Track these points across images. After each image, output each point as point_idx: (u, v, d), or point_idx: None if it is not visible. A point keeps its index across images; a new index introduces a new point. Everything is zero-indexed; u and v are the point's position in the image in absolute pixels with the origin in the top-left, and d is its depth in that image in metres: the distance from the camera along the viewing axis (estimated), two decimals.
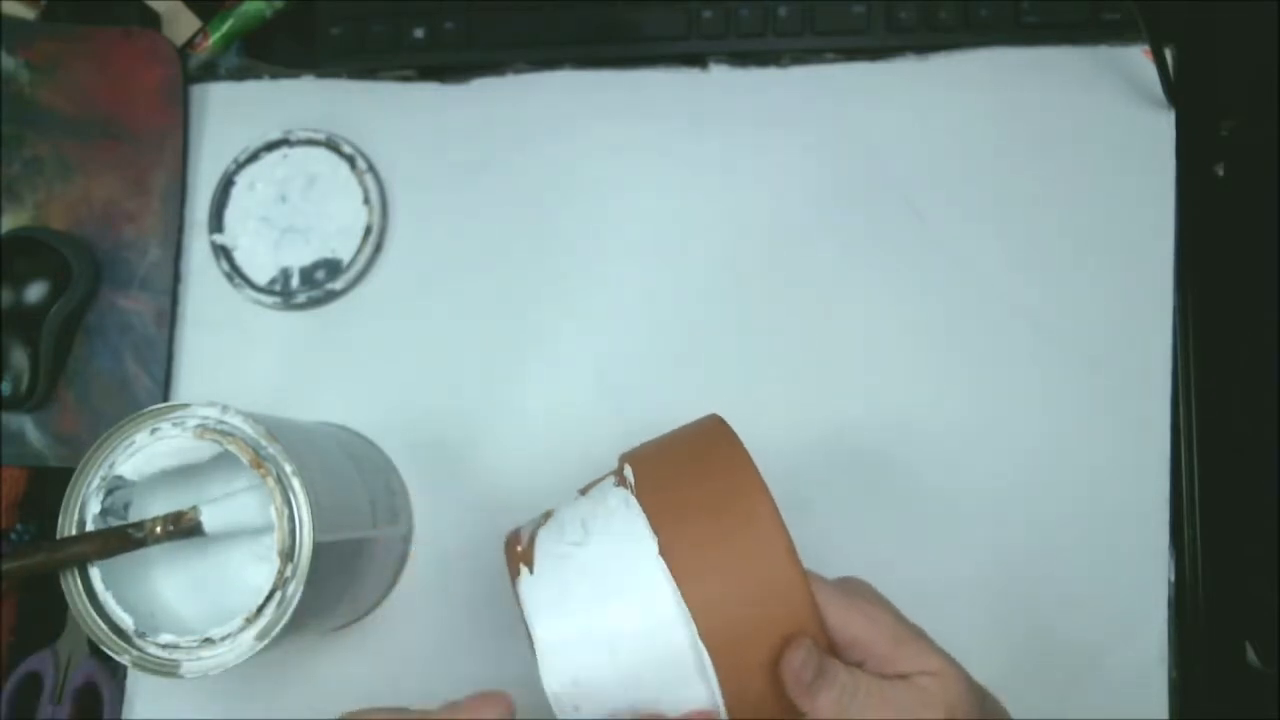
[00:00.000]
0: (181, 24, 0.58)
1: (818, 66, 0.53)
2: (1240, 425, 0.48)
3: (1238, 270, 0.49)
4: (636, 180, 0.53)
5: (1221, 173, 0.50)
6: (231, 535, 0.42)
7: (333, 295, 0.53)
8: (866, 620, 0.34)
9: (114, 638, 0.40)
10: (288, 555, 0.39)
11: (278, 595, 0.39)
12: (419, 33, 0.55)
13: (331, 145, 0.54)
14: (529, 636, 0.35)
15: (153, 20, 0.57)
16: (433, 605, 0.50)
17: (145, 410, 0.41)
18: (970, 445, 0.49)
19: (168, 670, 0.39)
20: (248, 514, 0.41)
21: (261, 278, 0.54)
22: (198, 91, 0.56)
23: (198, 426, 0.40)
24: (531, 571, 0.35)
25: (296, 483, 0.40)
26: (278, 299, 0.53)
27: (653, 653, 0.33)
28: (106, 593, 0.40)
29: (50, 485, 0.54)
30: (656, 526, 0.33)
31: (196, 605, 0.43)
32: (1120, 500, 0.47)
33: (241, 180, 0.55)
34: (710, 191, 0.52)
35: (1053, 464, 0.48)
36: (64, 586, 0.40)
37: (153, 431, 0.41)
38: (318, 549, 0.39)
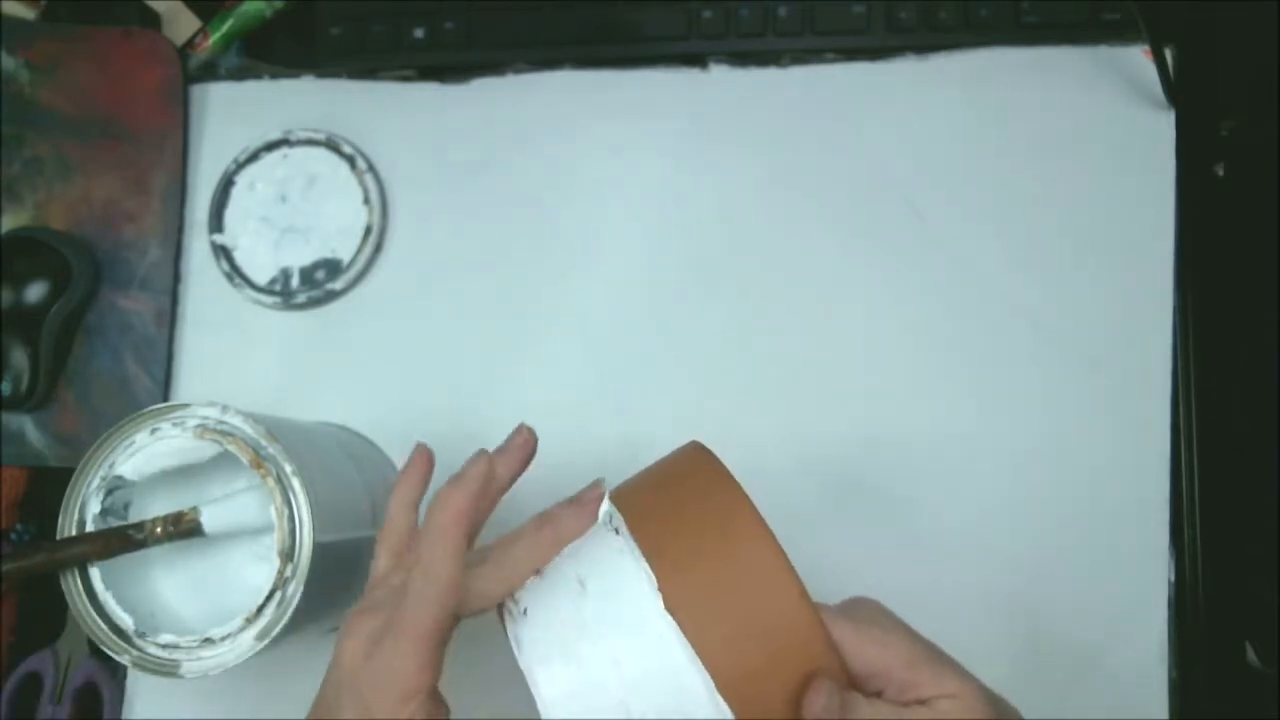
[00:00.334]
0: (181, 24, 0.58)
1: (818, 66, 0.53)
2: (1240, 425, 0.48)
3: (1238, 270, 0.49)
4: (636, 180, 0.53)
5: (1221, 173, 0.50)
6: (231, 535, 0.42)
7: (333, 295, 0.53)
8: (880, 647, 0.33)
9: (114, 638, 0.40)
10: (288, 555, 0.39)
11: (278, 595, 0.39)
12: (419, 33, 0.55)
13: (331, 145, 0.54)
14: (534, 692, 0.33)
15: (153, 20, 0.57)
16: None
17: (145, 410, 0.41)
18: (970, 445, 0.49)
19: (168, 670, 0.39)
20: (248, 514, 0.41)
21: (261, 278, 0.54)
22: (198, 91, 0.56)
23: (198, 426, 0.40)
24: (528, 634, 0.33)
25: (296, 483, 0.40)
26: (278, 299, 0.53)
27: (668, 704, 0.32)
28: (106, 593, 0.40)
29: (50, 485, 0.54)
30: (660, 579, 0.32)
31: (196, 605, 0.44)
32: (1120, 500, 0.47)
33: (241, 180, 0.55)
34: (710, 191, 0.52)
35: (1053, 464, 0.48)
36: (64, 587, 0.40)
37: (153, 431, 0.41)
38: (318, 549, 0.39)
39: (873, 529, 0.48)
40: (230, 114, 0.56)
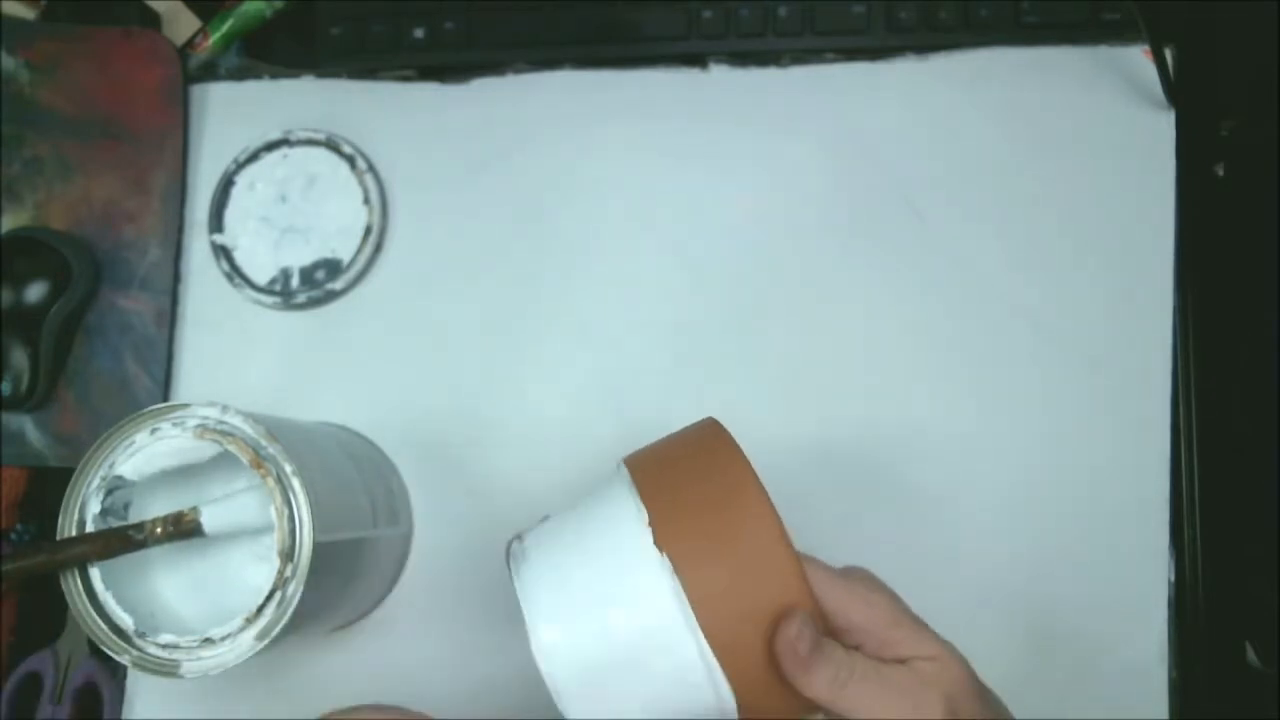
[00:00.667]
0: (181, 24, 0.58)
1: (818, 66, 0.53)
2: (1240, 425, 0.48)
3: (1238, 270, 0.49)
4: (636, 180, 0.53)
5: (1221, 173, 0.50)
6: (231, 535, 0.42)
7: (333, 295, 0.53)
8: (863, 604, 0.34)
9: (114, 638, 0.40)
10: (288, 555, 0.39)
11: (278, 595, 0.39)
12: (419, 33, 0.55)
13: (331, 145, 0.54)
14: (529, 627, 0.35)
15: (153, 20, 0.57)
16: (433, 605, 0.50)
17: (145, 410, 0.41)
18: (970, 445, 0.49)
19: (168, 670, 0.39)
20: (248, 514, 0.41)
21: (261, 278, 0.54)
22: (198, 91, 0.56)
23: (198, 426, 0.40)
24: (530, 572, 0.35)
25: (296, 483, 0.40)
26: (278, 299, 0.53)
27: (654, 641, 0.33)
28: (106, 593, 0.40)
29: (50, 485, 0.54)
30: (652, 517, 0.34)
31: (196, 605, 0.43)
32: (1120, 500, 0.47)
33: (241, 180, 0.55)
34: (710, 192, 0.52)
35: (1053, 464, 0.48)
36: (64, 587, 0.40)
37: (153, 431, 0.41)
38: (318, 549, 0.39)
39: (872, 529, 0.48)
40: (230, 114, 0.56)
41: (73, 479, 0.41)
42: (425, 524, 0.51)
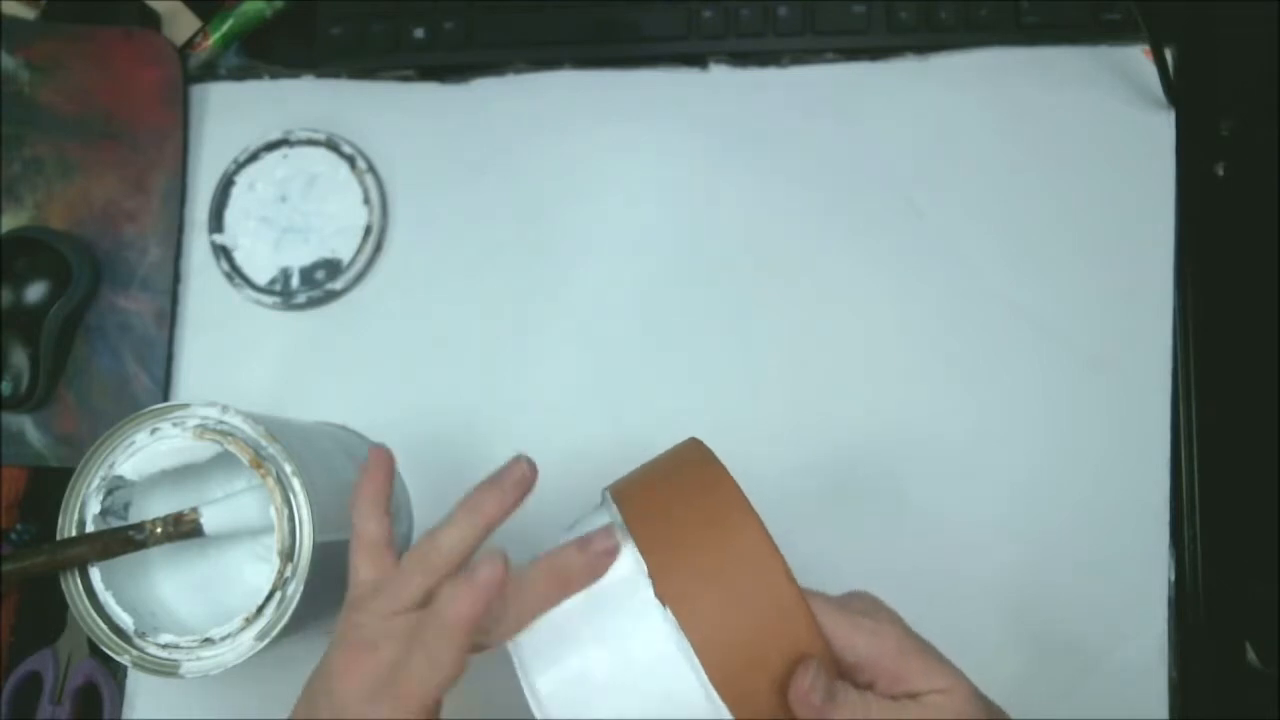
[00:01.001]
0: (181, 24, 0.58)
1: (818, 66, 0.53)
2: (1240, 425, 0.48)
3: (1238, 270, 0.49)
4: (636, 180, 0.53)
5: (1221, 173, 0.50)
6: (231, 535, 0.42)
7: (333, 295, 0.53)
8: (871, 637, 0.34)
9: (114, 638, 0.40)
10: (288, 555, 0.39)
11: (278, 595, 0.39)
12: (419, 33, 0.55)
13: (331, 145, 0.54)
14: (525, 687, 0.34)
15: (153, 20, 0.57)
16: None
17: (145, 410, 0.41)
18: (970, 445, 0.49)
19: (168, 670, 0.39)
20: (248, 514, 0.41)
21: (261, 278, 0.54)
22: (198, 91, 0.56)
23: (198, 426, 0.40)
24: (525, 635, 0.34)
25: (296, 483, 0.40)
26: (278, 299, 0.53)
27: (659, 689, 0.32)
28: (106, 593, 0.40)
29: (50, 485, 0.53)
30: (650, 565, 0.33)
31: (196, 605, 0.44)
32: (1120, 500, 0.47)
33: (241, 180, 0.55)
34: (710, 191, 0.52)
35: (1053, 464, 0.48)
36: (64, 587, 0.40)
37: (153, 431, 0.41)
38: (318, 549, 0.39)
39: (872, 529, 0.48)
40: (230, 114, 0.56)
41: (73, 479, 0.41)
42: (425, 524, 0.51)
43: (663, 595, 0.32)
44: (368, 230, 0.53)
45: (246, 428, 0.40)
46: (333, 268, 0.53)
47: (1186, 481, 0.47)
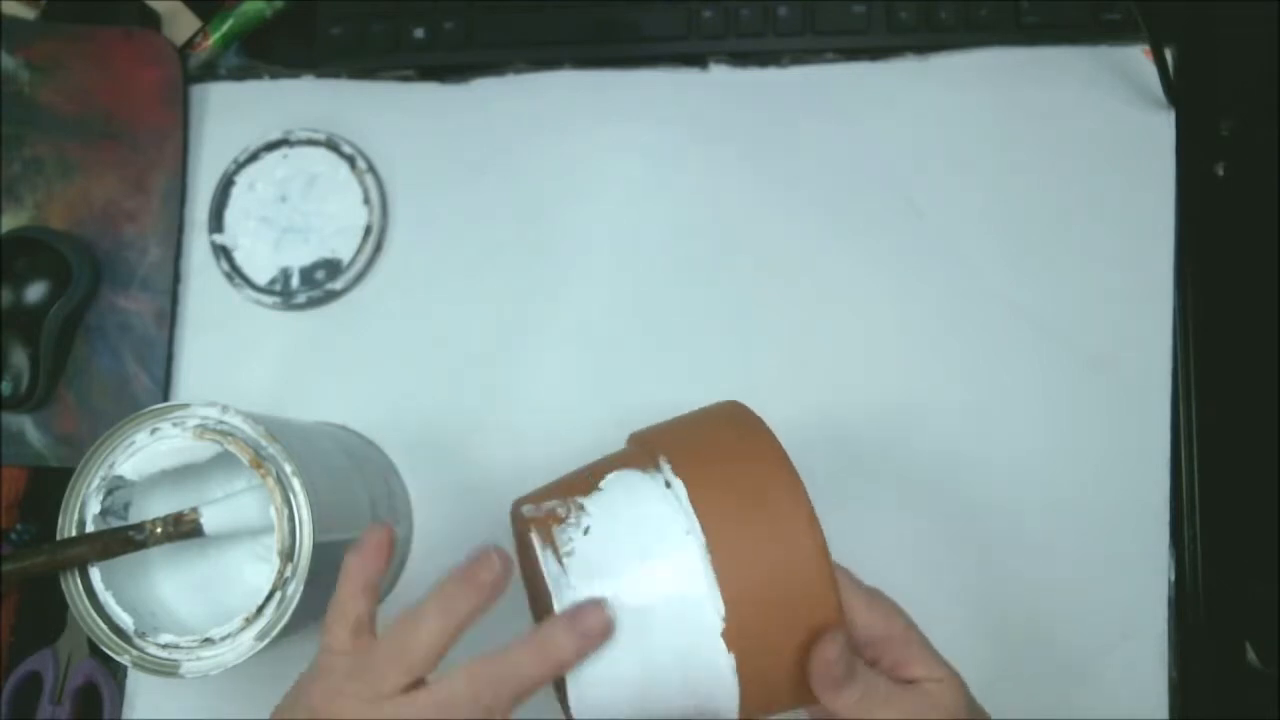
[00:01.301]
0: (181, 24, 0.58)
1: (818, 66, 0.53)
2: (1240, 425, 0.48)
3: (1238, 270, 0.49)
4: (636, 179, 0.53)
5: (1221, 173, 0.50)
6: (231, 535, 0.42)
7: (333, 295, 0.53)
8: (884, 619, 0.35)
9: (114, 638, 0.40)
10: (288, 555, 0.39)
11: (278, 595, 0.39)
12: (419, 33, 0.55)
13: (331, 145, 0.54)
14: (532, 604, 0.34)
15: (153, 20, 0.57)
16: None
17: (145, 410, 0.41)
18: (970, 445, 0.49)
19: (168, 670, 0.39)
20: (248, 514, 0.41)
21: (261, 278, 0.54)
22: (198, 91, 0.56)
23: (198, 426, 0.40)
24: (561, 561, 0.35)
25: (296, 483, 0.40)
26: (278, 299, 0.53)
27: (681, 627, 0.33)
28: (106, 593, 0.40)
29: (50, 485, 0.53)
30: (703, 522, 0.34)
31: (196, 605, 0.43)
32: (1120, 500, 0.47)
33: (241, 180, 0.55)
34: (710, 191, 0.52)
35: (1053, 464, 0.48)
36: (64, 587, 0.40)
37: (153, 431, 0.41)
38: (318, 549, 0.39)
39: (871, 530, 0.48)
40: (230, 114, 0.56)
41: (73, 479, 0.41)
42: (425, 524, 0.51)
43: (711, 547, 0.33)
44: (368, 230, 0.53)
45: (246, 428, 0.40)
46: (333, 268, 0.53)
47: (1186, 481, 0.47)
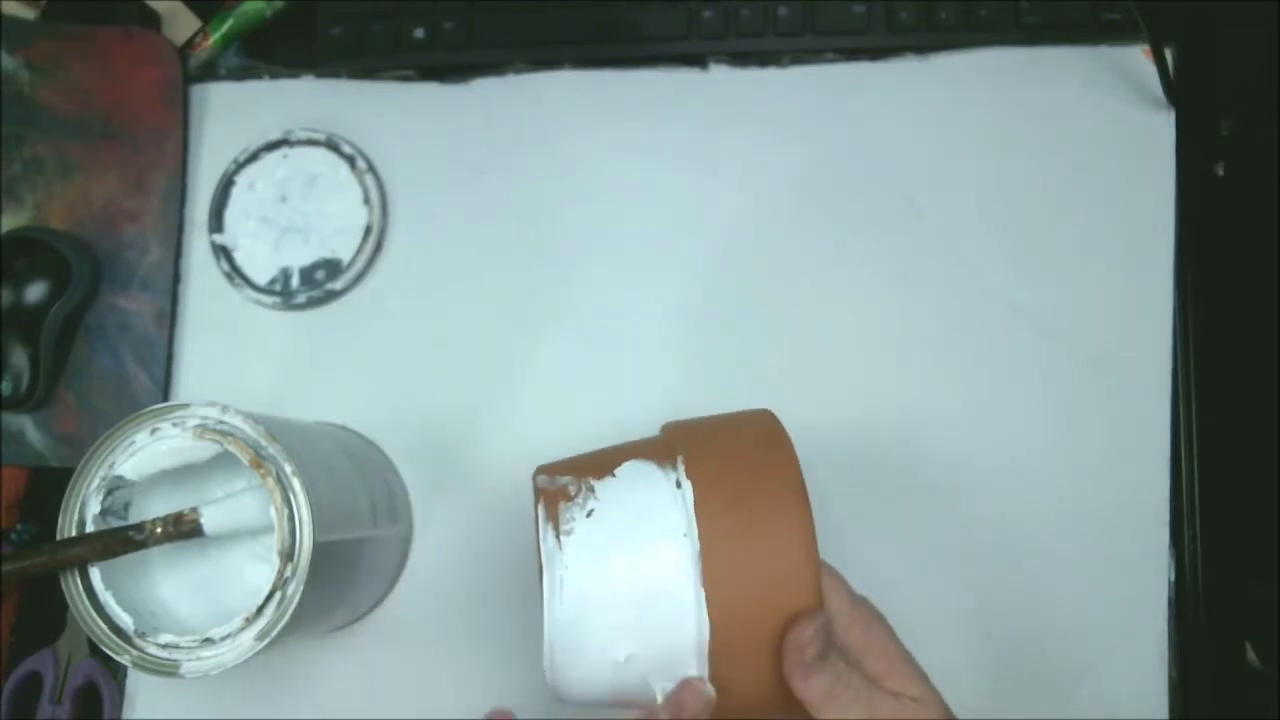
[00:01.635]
0: (181, 24, 0.58)
1: (818, 66, 0.53)
2: (1240, 425, 0.48)
3: (1238, 270, 0.49)
4: (636, 180, 0.53)
5: (1221, 173, 0.50)
6: (231, 535, 0.42)
7: (333, 295, 0.53)
8: (865, 629, 0.35)
9: (114, 638, 0.39)
10: (288, 555, 0.39)
11: (278, 595, 0.39)
12: (419, 33, 0.55)
13: (331, 145, 0.54)
14: (540, 573, 0.35)
15: (153, 20, 0.57)
16: (432, 605, 0.50)
17: (145, 410, 0.41)
18: (969, 445, 0.49)
19: (168, 670, 0.39)
20: (248, 514, 0.41)
21: (261, 278, 0.54)
22: (198, 91, 0.56)
23: (198, 426, 0.40)
24: (559, 538, 0.35)
25: (296, 483, 0.39)
26: (278, 299, 0.53)
27: (664, 626, 0.34)
28: (106, 593, 0.40)
29: (50, 485, 0.53)
30: (701, 529, 0.34)
31: (196, 605, 0.43)
32: (1120, 500, 0.47)
33: (241, 180, 0.55)
34: (710, 191, 0.52)
35: (1053, 464, 0.48)
36: (64, 587, 0.40)
37: (153, 431, 0.40)
38: (318, 549, 0.39)
39: (871, 529, 0.48)
40: (230, 114, 0.56)
41: (73, 479, 0.41)
42: (425, 524, 0.51)
43: (696, 513, 0.34)
44: (368, 230, 0.53)
45: (246, 428, 0.40)
46: (333, 268, 0.53)
47: (1186, 481, 0.47)
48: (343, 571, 0.43)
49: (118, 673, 0.51)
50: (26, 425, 0.54)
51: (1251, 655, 0.46)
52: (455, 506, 0.51)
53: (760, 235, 0.52)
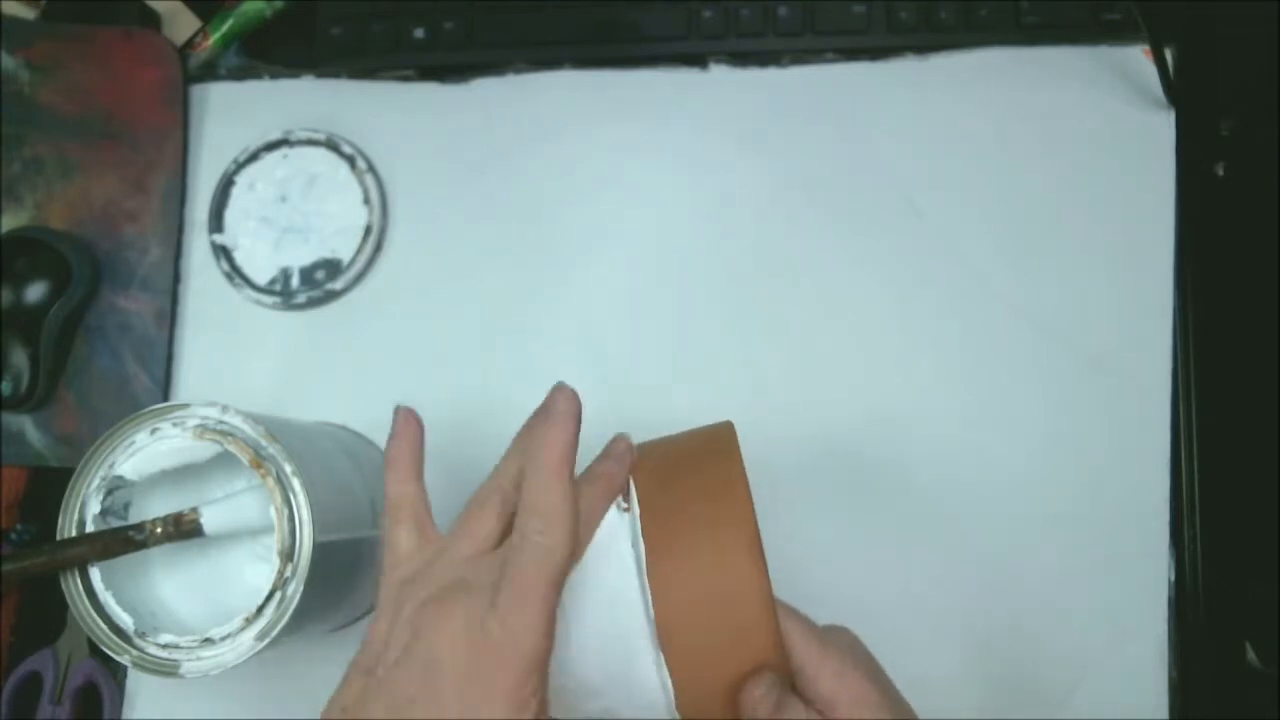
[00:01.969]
0: (181, 24, 0.58)
1: (818, 66, 0.53)
2: (1240, 425, 0.48)
3: (1238, 270, 0.49)
4: (636, 180, 0.53)
5: (1221, 173, 0.50)
6: (231, 535, 0.42)
7: (333, 295, 0.53)
8: (835, 679, 0.33)
9: (114, 638, 0.40)
10: (288, 555, 0.39)
11: (278, 595, 0.39)
12: (419, 33, 0.55)
13: (331, 145, 0.54)
14: None
15: (153, 20, 0.57)
16: None
17: (145, 410, 0.41)
18: (969, 445, 0.49)
19: (168, 670, 0.39)
20: (248, 514, 0.41)
21: (261, 278, 0.54)
22: (198, 91, 0.56)
23: (198, 426, 0.40)
24: None
25: (296, 483, 0.40)
26: (278, 299, 0.53)
27: (619, 659, 0.33)
28: (106, 593, 0.40)
29: (50, 485, 0.53)
30: (647, 543, 0.33)
31: (196, 605, 0.43)
32: (1120, 500, 0.47)
33: (241, 180, 0.55)
34: (710, 191, 0.52)
35: (1053, 464, 0.48)
36: (64, 587, 0.40)
37: (153, 431, 0.41)
38: (318, 549, 0.39)
39: (871, 528, 0.48)
40: (230, 114, 0.56)
41: (73, 479, 0.41)
42: None
43: (650, 577, 0.33)
44: (368, 230, 0.53)
45: (246, 428, 0.40)
46: (333, 268, 0.53)
47: (1186, 481, 0.47)
48: (343, 571, 0.43)
49: (118, 673, 0.51)
50: (26, 425, 0.54)
51: (1251, 655, 0.46)
52: (455, 506, 0.51)
53: (760, 235, 0.52)
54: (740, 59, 0.53)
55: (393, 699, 0.30)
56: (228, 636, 0.39)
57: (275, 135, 0.54)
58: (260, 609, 0.39)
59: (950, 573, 0.48)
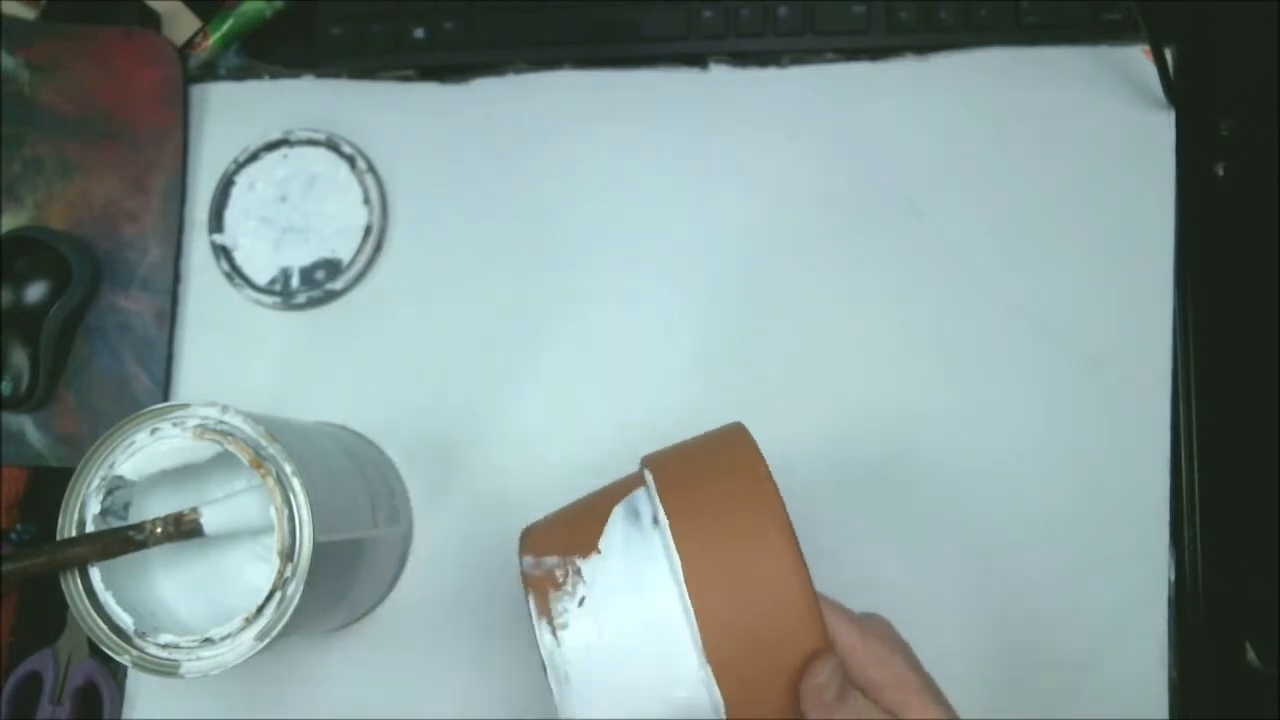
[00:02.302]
0: (181, 24, 0.58)
1: (818, 66, 0.53)
2: (1240, 425, 0.48)
3: (1238, 270, 0.49)
4: (636, 180, 0.53)
5: (1221, 173, 0.50)
6: (231, 535, 0.42)
7: (333, 295, 0.53)
8: (879, 664, 0.34)
9: (114, 638, 0.39)
10: (288, 555, 0.39)
11: (278, 595, 0.39)
12: (419, 33, 0.55)
13: (331, 145, 0.54)
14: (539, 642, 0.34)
15: (153, 20, 0.57)
16: (433, 605, 0.50)
17: (145, 410, 0.41)
18: (969, 445, 0.49)
19: (168, 670, 0.39)
20: (248, 514, 0.41)
21: (261, 278, 0.54)
22: (198, 91, 0.56)
23: (198, 426, 0.40)
24: (555, 634, 0.35)
25: (296, 483, 0.40)
26: (278, 299, 0.53)
27: (661, 663, 0.33)
28: (106, 593, 0.40)
29: (50, 485, 0.53)
30: (683, 558, 0.33)
31: (196, 605, 0.43)
32: (1120, 500, 0.47)
33: (241, 180, 0.55)
34: (710, 191, 0.52)
35: (1053, 464, 0.48)
36: (64, 587, 0.40)
37: (153, 431, 0.40)
38: (318, 549, 0.39)
39: (872, 528, 0.48)
40: (230, 114, 0.56)
41: (73, 479, 0.41)
42: (425, 524, 0.51)
43: (689, 586, 0.33)
44: (368, 230, 0.53)
45: (246, 428, 0.40)
46: (333, 268, 0.53)
47: (1186, 481, 0.47)
48: (343, 571, 0.43)
49: (118, 673, 0.51)
50: (26, 425, 0.54)
51: (1251, 655, 0.46)
52: (455, 506, 0.51)
53: (760, 235, 0.52)
54: (740, 59, 0.53)
55: None
56: (228, 636, 0.39)
57: (275, 135, 0.54)
58: (260, 609, 0.39)
59: (950, 572, 0.48)
